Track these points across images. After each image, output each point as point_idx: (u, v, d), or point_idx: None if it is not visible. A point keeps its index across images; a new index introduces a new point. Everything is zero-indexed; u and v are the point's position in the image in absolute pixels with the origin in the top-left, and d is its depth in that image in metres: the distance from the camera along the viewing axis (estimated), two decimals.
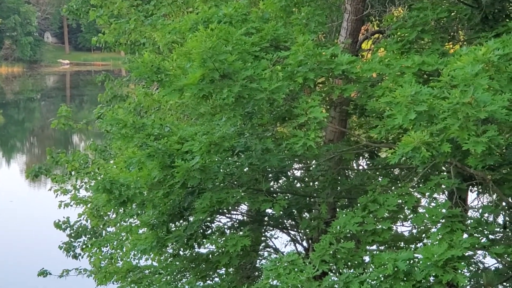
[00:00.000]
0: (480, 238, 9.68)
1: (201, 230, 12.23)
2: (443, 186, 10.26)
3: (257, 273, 13.62)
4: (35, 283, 23.05)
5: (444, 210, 9.28)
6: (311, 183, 13.12)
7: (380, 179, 12.38)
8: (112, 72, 72.04)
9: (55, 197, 20.90)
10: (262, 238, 13.56)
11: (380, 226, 9.78)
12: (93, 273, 17.67)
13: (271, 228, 13.66)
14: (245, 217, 13.33)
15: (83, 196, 19.98)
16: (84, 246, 20.17)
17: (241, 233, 11.80)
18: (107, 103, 21.85)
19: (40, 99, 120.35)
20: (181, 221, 12.29)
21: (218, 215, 12.71)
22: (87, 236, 20.35)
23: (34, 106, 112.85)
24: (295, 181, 13.36)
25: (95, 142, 22.96)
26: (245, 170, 11.60)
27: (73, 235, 20.64)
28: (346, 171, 13.59)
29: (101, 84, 23.81)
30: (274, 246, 13.77)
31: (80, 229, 20.47)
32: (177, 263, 13.44)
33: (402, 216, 11.41)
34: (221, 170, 11.20)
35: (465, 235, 9.26)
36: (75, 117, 22.41)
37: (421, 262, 8.62)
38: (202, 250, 12.94)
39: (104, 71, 36.41)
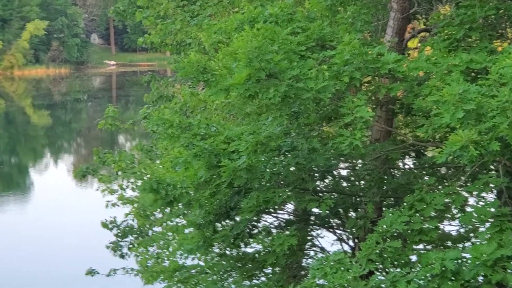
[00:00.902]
0: None
1: (248, 230, 12.27)
2: (491, 185, 10.14)
3: (303, 272, 13.61)
4: (83, 282, 23.29)
5: (493, 209, 9.20)
6: (357, 182, 13.08)
7: (426, 178, 12.30)
8: (158, 72, 72.36)
9: (102, 197, 21.08)
10: (308, 238, 13.55)
11: (427, 225, 9.72)
12: (140, 273, 17.78)
13: (317, 227, 13.65)
14: (291, 217, 13.34)
15: (129, 196, 20.13)
16: (131, 246, 20.33)
17: (287, 232, 11.80)
18: (153, 103, 22.00)
19: (87, 100, 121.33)
20: (227, 221, 12.34)
21: (264, 215, 12.73)
22: (134, 235, 20.51)
23: (81, 107, 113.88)
24: (341, 180, 13.34)
25: (141, 142, 23.14)
26: (291, 169, 11.61)
27: (120, 234, 20.81)
28: (392, 170, 13.52)
29: (147, 84, 23.99)
30: (320, 245, 13.75)
31: (127, 228, 20.63)
32: (223, 262, 13.48)
33: (449, 215, 11.31)
34: (267, 170, 11.21)
35: None
36: (121, 117, 22.60)
37: (469, 261, 8.56)
38: (249, 250, 12.97)
39: (149, 71, 36.68)
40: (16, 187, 59.52)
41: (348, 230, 12.81)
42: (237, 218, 12.12)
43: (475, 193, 9.99)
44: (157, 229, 19.45)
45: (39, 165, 71.23)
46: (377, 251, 9.40)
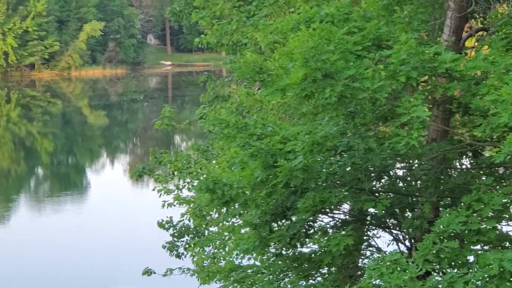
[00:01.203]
0: None
1: (304, 230, 12.31)
2: None
3: (359, 272, 13.60)
4: (139, 282, 23.53)
5: None
6: (413, 182, 13.04)
7: (484, 178, 12.23)
8: (213, 72, 72.71)
9: (158, 197, 21.27)
10: (365, 238, 13.53)
11: (484, 226, 9.69)
12: (196, 273, 17.87)
13: (374, 228, 13.62)
14: (347, 217, 13.34)
15: (186, 196, 20.27)
16: (187, 246, 20.44)
17: (343, 232, 11.83)
18: (209, 104, 22.14)
19: (143, 100, 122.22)
20: (283, 221, 12.39)
21: (320, 215, 12.76)
22: (190, 235, 20.63)
23: (137, 107, 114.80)
24: (398, 180, 13.30)
25: (197, 142, 23.32)
26: (347, 169, 11.63)
27: (176, 234, 20.94)
28: (449, 170, 13.44)
29: (203, 84, 24.14)
30: (376, 246, 13.72)
31: (183, 228, 20.76)
32: (279, 262, 13.53)
33: (507, 216, 11.24)
34: (323, 170, 11.25)
35: None
36: (177, 117, 22.78)
37: None
38: (305, 250, 13.00)
39: (205, 71, 36.90)
40: (73, 187, 60.21)
41: (405, 230, 12.77)
42: (293, 218, 12.17)
43: None
44: (213, 229, 19.56)
45: (96, 165, 72.02)
46: (434, 252, 9.39)
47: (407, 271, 8.89)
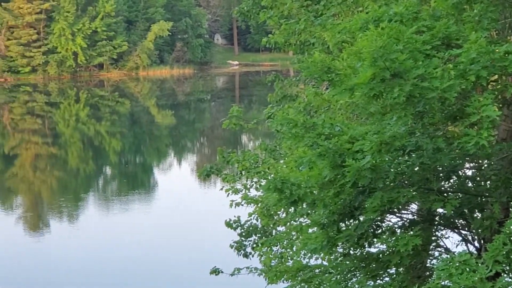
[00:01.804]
0: None
1: (372, 230, 12.32)
2: None
3: (428, 273, 13.56)
4: (207, 281, 23.74)
5: None
6: (483, 183, 12.95)
7: None
8: (281, 72, 73.04)
9: (226, 196, 21.43)
10: (433, 238, 13.48)
11: None
12: (263, 272, 17.95)
13: (442, 228, 13.56)
14: (415, 217, 13.32)
15: (253, 195, 20.39)
16: (254, 245, 20.57)
17: (411, 232, 11.83)
18: (277, 103, 22.22)
19: (210, 100, 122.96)
20: (351, 220, 12.42)
21: (388, 215, 12.76)
22: (258, 235, 20.74)
23: (204, 107, 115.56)
24: (467, 180, 13.22)
25: (264, 142, 23.43)
26: (415, 169, 11.61)
27: (243, 234, 21.08)
28: None
29: (270, 84, 24.24)
30: (445, 246, 13.66)
31: (251, 228, 20.89)
32: (347, 262, 13.56)
33: None
34: (391, 170, 11.26)
35: None
36: (244, 117, 22.90)
37: None
38: (372, 250, 13.03)
39: (272, 71, 37.03)
40: (140, 187, 60.93)
41: (474, 231, 12.70)
42: (361, 218, 12.20)
43: None
44: (281, 228, 19.65)
45: (163, 165, 72.71)
46: (504, 253, 9.34)
47: (476, 272, 8.86)
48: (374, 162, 10.56)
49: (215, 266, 20.57)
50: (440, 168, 12.02)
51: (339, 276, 14.00)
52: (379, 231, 12.55)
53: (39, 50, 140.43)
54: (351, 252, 13.22)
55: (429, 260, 13.85)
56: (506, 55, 9.89)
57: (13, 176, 66.75)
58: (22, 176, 66.77)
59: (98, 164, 72.95)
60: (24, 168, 70.29)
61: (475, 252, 12.79)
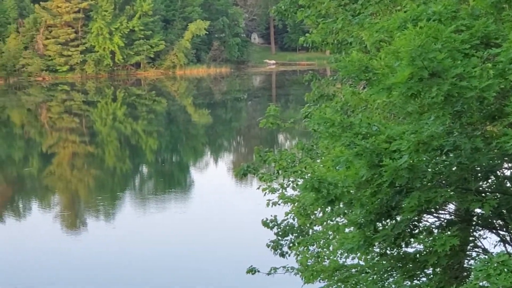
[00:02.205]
0: None
1: (409, 229, 12.29)
2: None
3: (465, 273, 13.50)
4: (244, 280, 23.81)
5: None
6: None
7: None
8: (317, 71, 72.98)
9: (263, 196, 21.45)
10: (471, 238, 13.42)
11: None
12: (300, 271, 17.91)
13: (480, 228, 13.49)
14: (453, 217, 13.26)
15: (290, 194, 20.39)
16: (291, 245, 20.57)
17: (449, 232, 11.79)
18: (314, 103, 22.21)
19: (247, 99, 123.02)
20: (388, 220, 12.40)
21: (425, 214, 12.72)
22: (294, 234, 20.74)
23: (241, 106, 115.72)
24: (505, 180, 13.14)
25: (301, 141, 23.45)
26: (453, 169, 11.58)
27: (280, 233, 21.10)
28: None
29: (307, 83, 24.24)
30: (483, 247, 13.59)
31: (287, 227, 20.90)
32: (384, 262, 13.53)
33: None
34: (429, 169, 11.23)
35: None
36: (281, 116, 22.92)
37: None
38: (409, 250, 13.00)
39: (309, 70, 37.02)
40: (177, 185, 61.14)
41: None
42: (398, 218, 12.18)
43: None
44: (318, 228, 19.63)
45: (200, 164, 72.94)
46: None
47: None
48: (411, 162, 10.54)
49: (252, 265, 20.57)
50: (478, 168, 11.96)
51: (375, 276, 13.97)
52: (416, 231, 12.52)
53: (77, 49, 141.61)
54: (388, 252, 13.19)
55: (466, 261, 13.77)
56: None
57: (51, 174, 67.37)
58: (59, 174, 67.38)
59: (134, 163, 73.28)
60: (62, 166, 70.89)
61: None
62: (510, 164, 13.22)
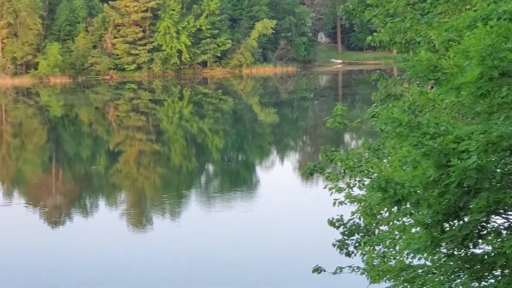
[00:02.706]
0: None
1: (477, 230, 12.19)
2: None
3: None
4: (309, 279, 23.83)
5: None
6: None
7: None
8: (384, 71, 72.50)
9: (329, 195, 21.42)
10: None
11: None
12: (366, 271, 17.85)
13: None
14: None
15: (356, 194, 20.34)
16: (357, 244, 20.51)
17: None
18: (381, 102, 22.11)
19: (313, 98, 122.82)
20: (455, 221, 12.32)
21: (494, 215, 12.61)
22: (360, 234, 20.67)
23: (307, 105, 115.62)
24: None
25: (368, 140, 23.36)
26: None
27: (346, 233, 21.03)
28: None
29: (374, 83, 24.16)
30: None
31: (353, 227, 20.83)
32: (451, 263, 13.43)
33: None
34: (498, 170, 11.14)
35: None
36: (348, 115, 22.85)
37: None
38: (477, 251, 12.90)
39: (376, 70, 36.82)
40: (243, 184, 61.31)
41: None
42: (466, 218, 12.09)
43: None
44: (384, 227, 19.55)
45: (266, 162, 73.01)
46: None
47: None
48: (480, 162, 10.48)
49: (317, 265, 20.56)
50: None
51: (442, 277, 13.87)
52: (484, 232, 12.42)
53: (144, 48, 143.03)
54: (455, 252, 13.09)
55: None
56: None
57: (118, 172, 68.16)
58: (126, 172, 68.12)
59: (200, 161, 73.66)
60: (128, 164, 71.64)
61: None
62: None
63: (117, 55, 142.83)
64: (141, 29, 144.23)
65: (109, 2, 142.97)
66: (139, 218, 49.49)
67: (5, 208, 51.18)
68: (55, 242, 42.78)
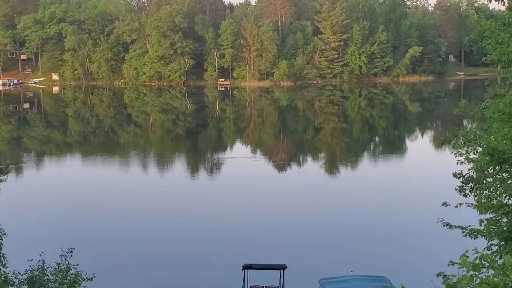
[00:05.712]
0: None
1: None
2: None
3: None
4: (439, 210, 23.01)
5: None
6: None
7: None
8: (492, 80, 68.32)
9: (454, 157, 20.41)
10: None
11: None
12: (476, 207, 16.83)
13: None
14: None
15: (472, 157, 19.27)
16: (471, 189, 19.40)
17: None
18: (490, 99, 20.85)
19: (444, 97, 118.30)
20: None
21: None
22: (473, 183, 19.53)
23: (440, 101, 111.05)
24: None
25: (480, 124, 22.12)
26: None
27: (464, 182, 19.80)
28: None
29: (486, 87, 22.82)
30: None
31: (469, 178, 19.57)
32: None
33: None
34: None
35: None
36: (468, 107, 21.55)
37: None
38: None
39: (487, 79, 34.70)
40: (397, 150, 60.10)
41: None
42: None
43: None
44: (489, 179, 18.47)
45: (412, 137, 71.69)
46: None
47: None
48: None
49: (445, 201, 19.55)
50: None
51: None
52: None
53: (338, 63, 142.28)
54: None
55: None
56: None
57: (319, 140, 68.75)
58: (325, 140, 68.67)
59: (371, 134, 73.23)
60: (326, 135, 72.13)
61: None
62: None
63: (322, 68, 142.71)
64: (337, 52, 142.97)
65: (318, 35, 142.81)
66: (331, 170, 49.59)
67: (253, 161, 53.07)
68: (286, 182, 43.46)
